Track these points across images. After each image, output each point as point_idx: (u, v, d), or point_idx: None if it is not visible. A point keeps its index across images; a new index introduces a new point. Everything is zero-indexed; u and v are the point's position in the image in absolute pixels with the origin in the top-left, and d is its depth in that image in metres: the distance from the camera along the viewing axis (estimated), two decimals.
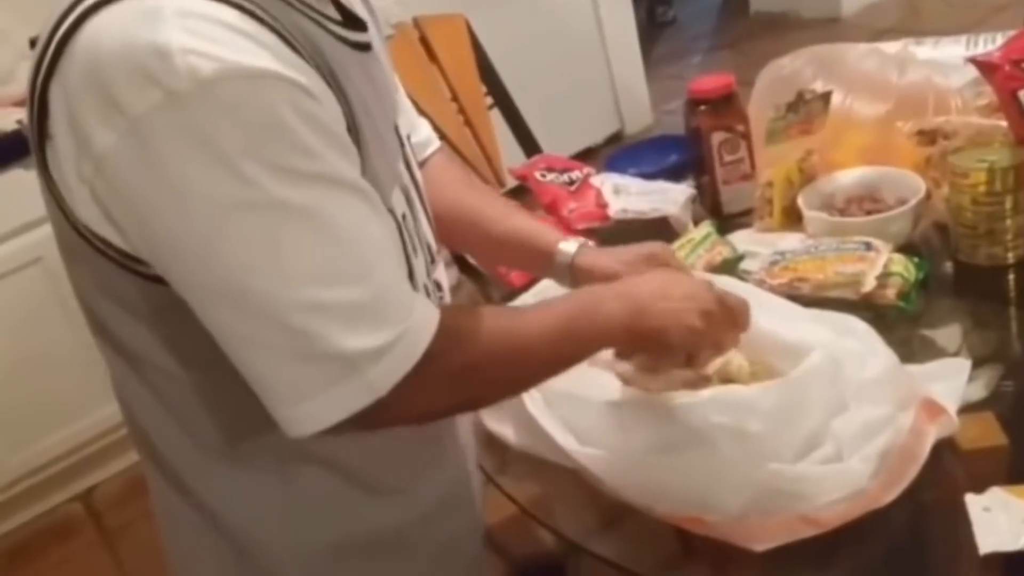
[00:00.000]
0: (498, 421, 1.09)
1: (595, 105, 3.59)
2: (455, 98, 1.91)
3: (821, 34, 3.93)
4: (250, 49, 0.65)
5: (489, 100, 1.98)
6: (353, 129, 0.74)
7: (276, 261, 0.67)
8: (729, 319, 0.91)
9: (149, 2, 0.64)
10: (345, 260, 0.69)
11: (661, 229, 1.42)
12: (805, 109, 1.35)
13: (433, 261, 0.92)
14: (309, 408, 0.70)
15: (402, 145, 0.90)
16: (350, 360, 0.69)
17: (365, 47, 0.82)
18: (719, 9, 5.00)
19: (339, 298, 0.68)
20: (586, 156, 3.41)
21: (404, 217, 0.84)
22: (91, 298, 0.79)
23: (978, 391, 0.99)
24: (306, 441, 0.72)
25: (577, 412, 0.98)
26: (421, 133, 1.10)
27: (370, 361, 0.70)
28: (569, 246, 1.05)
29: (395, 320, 0.71)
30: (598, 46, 3.56)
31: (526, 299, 1.23)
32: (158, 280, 0.72)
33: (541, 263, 1.07)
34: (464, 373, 0.78)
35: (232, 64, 0.63)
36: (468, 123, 1.92)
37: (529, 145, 1.97)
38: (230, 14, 0.66)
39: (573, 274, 1.04)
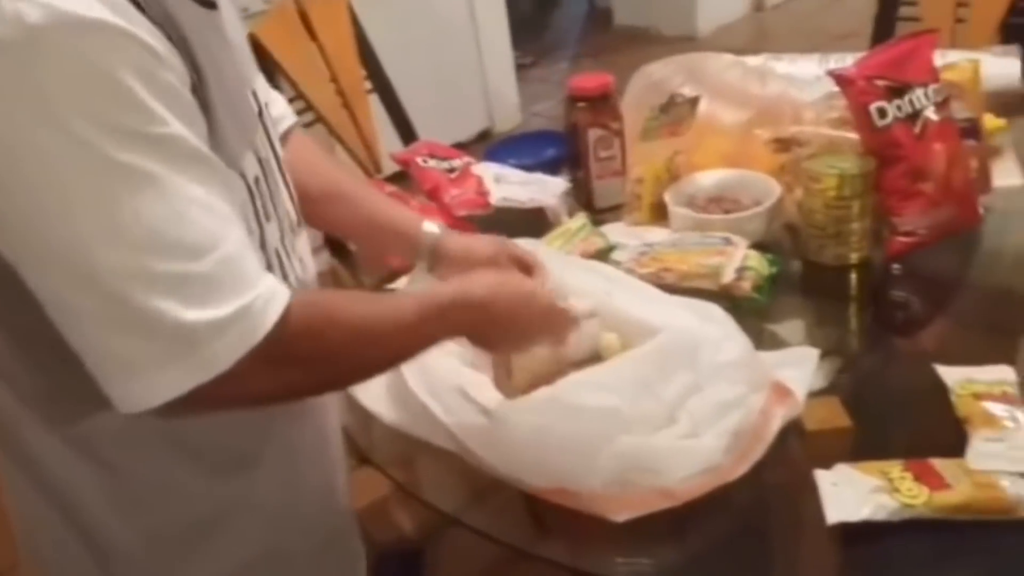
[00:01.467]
0: (373, 398, 1.10)
1: (466, 102, 3.66)
2: (334, 79, 1.90)
3: (678, 50, 4.04)
4: (90, 2, 0.61)
5: (368, 84, 1.98)
6: (200, 90, 0.70)
7: (107, 227, 0.63)
8: (551, 314, 0.98)
9: None
10: (182, 229, 0.65)
11: (537, 219, 1.46)
12: (675, 111, 1.43)
13: (293, 231, 0.90)
14: (143, 383, 0.67)
15: (260, 112, 0.87)
16: (188, 333, 0.66)
17: (212, 5, 0.78)
18: (583, 20, 5.18)
19: (176, 269, 0.65)
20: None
21: (257, 181, 0.80)
22: None
23: (818, 381, 1.06)
24: (144, 418, 0.68)
25: (449, 392, 1.00)
26: (277, 107, 1.07)
27: (210, 335, 0.66)
28: (432, 229, 1.10)
29: (237, 293, 0.68)
30: (472, 45, 3.62)
31: (400, 285, 1.25)
32: None
33: (404, 246, 1.11)
34: (311, 356, 0.75)
35: (64, 12, 0.60)
36: (346, 105, 1.92)
37: (406, 131, 1.98)
38: None
39: (434, 257, 1.10)
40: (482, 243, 1.12)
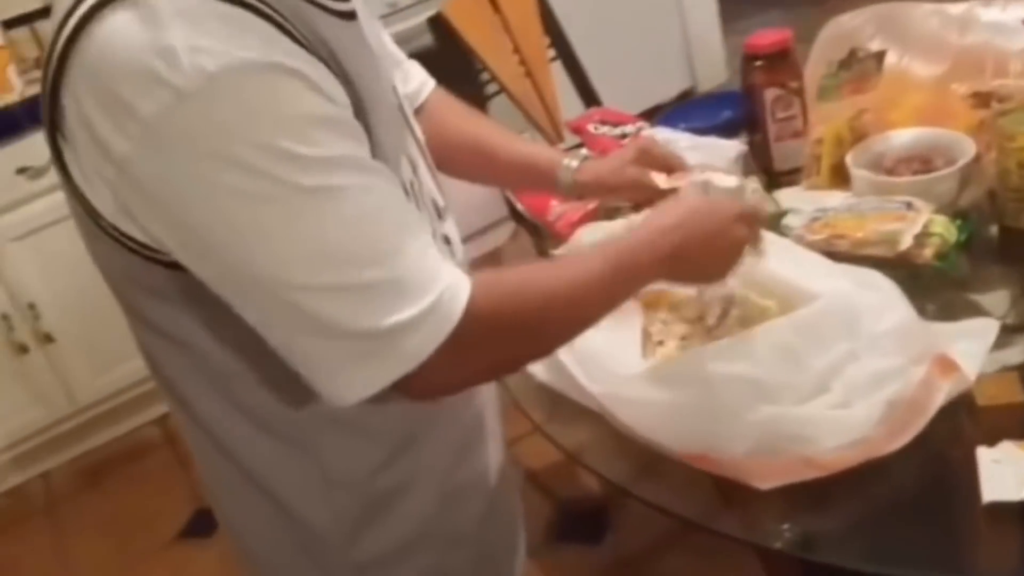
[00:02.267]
0: None
1: (667, 61, 3.57)
2: (517, 50, 1.94)
3: None
4: (252, 43, 0.66)
5: (552, 53, 2.00)
6: (360, 110, 0.74)
7: (302, 249, 0.68)
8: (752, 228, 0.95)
9: (146, 4, 0.65)
10: (368, 240, 0.70)
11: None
12: (858, 67, 1.35)
13: (440, 217, 0.94)
14: (344, 381, 0.72)
15: (401, 108, 0.91)
16: (384, 335, 0.70)
17: (352, 15, 0.82)
18: None
19: (366, 279, 0.70)
20: (656, 112, 3.40)
21: (411, 184, 0.85)
22: (118, 284, 0.81)
23: (1017, 355, 0.99)
24: (346, 409, 0.74)
25: (593, 360, 1.02)
26: (416, 77, 1.10)
27: (404, 334, 0.71)
28: (571, 162, 1.11)
29: (425, 291, 0.72)
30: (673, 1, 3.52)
31: (569, 248, 1.27)
32: (183, 267, 0.73)
33: (546, 182, 1.13)
34: (500, 335, 0.78)
35: (236, 59, 0.64)
36: (529, 75, 1.95)
37: (590, 99, 1.99)
38: (228, 9, 0.67)
39: (578, 189, 1.13)
40: (613, 166, 1.12)
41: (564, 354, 1.05)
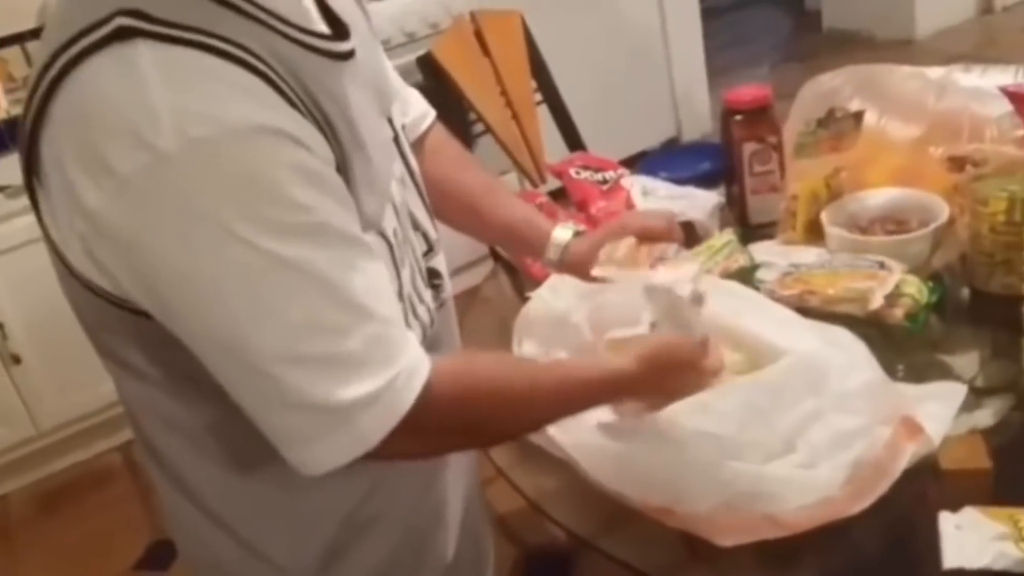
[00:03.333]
0: None
1: (654, 109, 3.60)
2: (504, 92, 1.95)
3: (893, 55, 3.83)
4: (236, 103, 0.65)
5: (538, 96, 2.01)
6: (342, 165, 0.74)
7: (265, 316, 0.68)
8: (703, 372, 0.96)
9: (127, 53, 0.64)
10: (333, 312, 0.70)
11: (686, 233, 1.44)
12: (836, 126, 1.37)
13: (431, 249, 0.94)
14: (308, 453, 0.73)
15: (396, 137, 0.90)
16: (340, 410, 0.71)
17: (350, 55, 0.79)
18: (792, 23, 4.96)
19: (327, 350, 0.70)
20: (641, 159, 3.42)
21: (395, 232, 0.84)
22: (89, 324, 0.80)
23: (986, 418, 1.00)
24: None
25: None
26: (416, 107, 1.10)
27: (359, 410, 0.71)
28: (560, 237, 1.11)
29: (383, 367, 0.72)
30: (661, 50, 3.57)
31: (541, 292, 1.27)
32: (150, 315, 0.72)
33: (533, 253, 1.15)
34: (451, 425, 0.79)
35: (220, 121, 0.63)
36: (515, 117, 1.96)
37: (574, 142, 2.00)
38: (212, 62, 0.65)
39: (564, 268, 1.12)
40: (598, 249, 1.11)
41: None
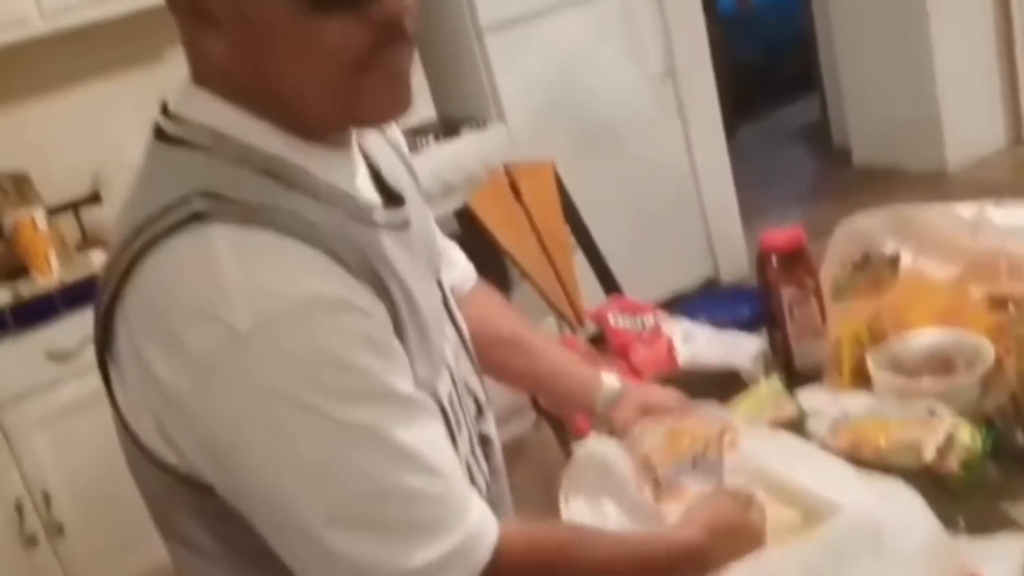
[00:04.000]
0: None
1: (689, 250, 3.64)
2: (539, 239, 2.00)
3: (926, 189, 3.90)
4: (302, 276, 0.69)
5: (573, 242, 2.05)
6: (400, 332, 0.77)
7: (338, 485, 0.69)
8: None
9: (203, 234, 0.69)
10: (400, 474, 0.71)
11: (731, 381, 1.43)
12: (872, 270, 1.37)
13: (481, 413, 0.95)
14: None
15: (445, 300, 0.93)
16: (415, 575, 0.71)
17: (405, 225, 0.84)
18: (821, 160, 5.02)
19: (395, 515, 0.71)
20: (677, 301, 3.44)
21: (450, 397, 0.86)
22: (153, 501, 0.82)
23: None
24: None
25: None
26: (458, 266, 1.12)
27: (434, 573, 0.71)
28: (611, 383, 1.11)
29: (451, 531, 0.72)
30: (692, 192, 3.62)
31: (588, 445, 1.25)
32: (215, 490, 0.74)
33: (581, 400, 1.14)
34: None
35: (289, 299, 0.68)
36: (551, 263, 2.00)
37: (610, 286, 2.03)
38: (279, 240, 0.70)
39: (613, 411, 1.12)
40: (666, 395, 1.13)
41: None
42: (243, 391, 0.67)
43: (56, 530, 2.45)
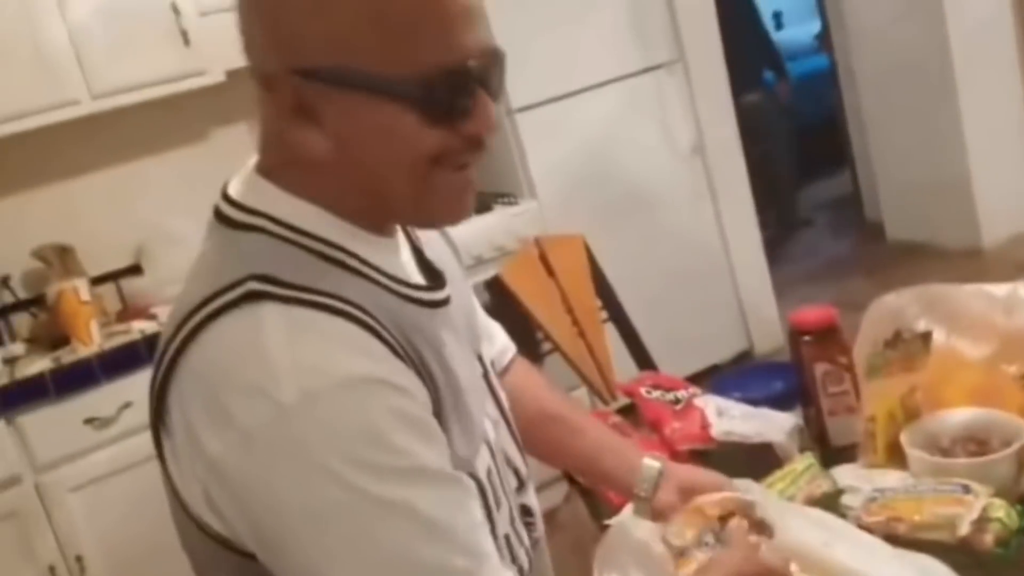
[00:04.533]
0: None
1: (722, 324, 3.64)
2: (570, 311, 2.01)
3: (961, 266, 3.87)
4: (349, 357, 0.72)
5: (604, 314, 2.07)
6: (439, 411, 0.79)
7: (372, 558, 0.71)
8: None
9: (255, 313, 0.72)
10: (434, 552, 0.72)
11: (764, 455, 1.43)
12: (904, 347, 1.37)
13: (522, 485, 0.96)
14: None
15: (486, 374, 0.95)
16: None
17: (445, 303, 0.87)
18: (854, 235, 5.02)
19: None
20: (712, 374, 3.43)
21: (488, 472, 0.87)
22: (200, 565, 0.84)
23: None
24: None
25: None
26: (498, 341, 1.14)
27: None
28: (652, 463, 1.10)
29: None
30: (724, 266, 3.64)
31: (623, 519, 1.25)
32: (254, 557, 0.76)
33: (623, 478, 1.12)
34: None
35: (333, 376, 0.70)
36: (582, 334, 2.01)
37: (642, 358, 2.03)
38: (327, 320, 0.73)
39: (657, 488, 1.11)
40: (708, 479, 1.12)
41: None
42: (281, 463, 0.70)
43: None
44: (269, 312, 0.72)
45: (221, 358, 0.72)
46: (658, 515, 1.10)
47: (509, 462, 0.94)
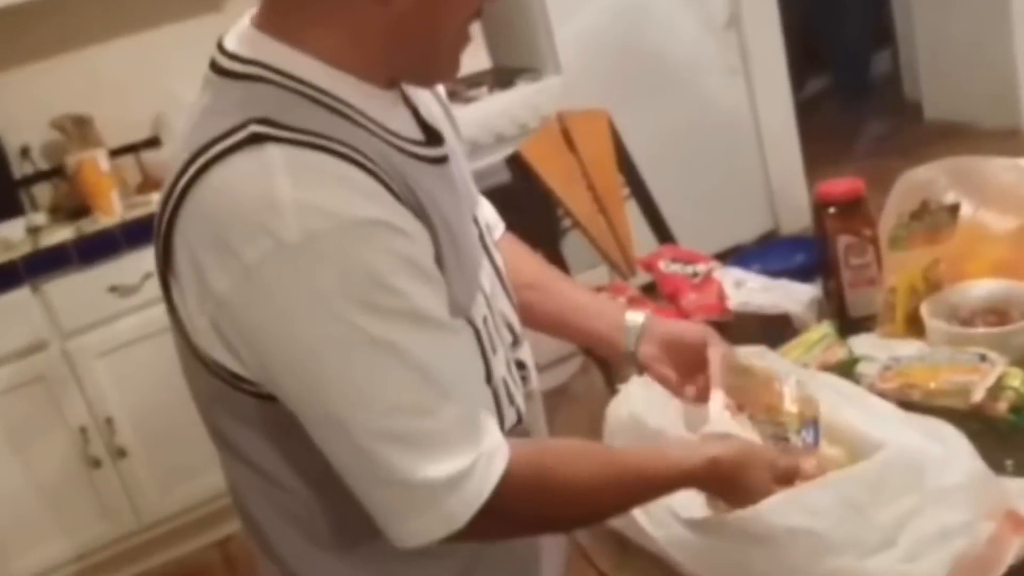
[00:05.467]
0: None
1: (750, 202, 3.58)
2: (591, 187, 1.98)
3: (999, 146, 3.75)
4: (352, 198, 0.73)
5: (627, 191, 2.04)
6: (439, 256, 0.80)
7: (359, 391, 0.74)
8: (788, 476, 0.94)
9: (260, 157, 0.72)
10: (424, 391, 0.75)
11: (781, 326, 1.42)
12: (931, 219, 1.34)
13: (516, 341, 0.98)
14: (403, 528, 0.78)
15: (481, 236, 0.96)
16: (426, 489, 0.76)
17: (443, 160, 0.88)
18: (892, 115, 4.89)
19: (414, 427, 0.75)
20: (736, 252, 3.40)
21: (484, 320, 0.88)
22: (210, 412, 0.87)
23: None
24: None
25: (658, 505, 0.99)
26: (490, 215, 1.14)
27: (446, 492, 0.76)
28: (635, 319, 1.11)
29: (467, 449, 0.77)
30: (754, 143, 3.55)
31: (629, 389, 1.25)
32: (271, 398, 0.79)
33: (607, 336, 1.12)
34: (528, 515, 0.84)
35: (336, 216, 0.71)
36: (603, 211, 1.99)
37: (664, 236, 2.01)
38: (334, 164, 0.74)
39: (640, 342, 1.10)
40: (690, 330, 1.12)
41: None
42: (283, 298, 0.72)
43: (118, 453, 2.55)
44: (272, 153, 0.72)
45: (225, 196, 0.73)
46: (643, 367, 1.11)
47: (505, 319, 0.96)
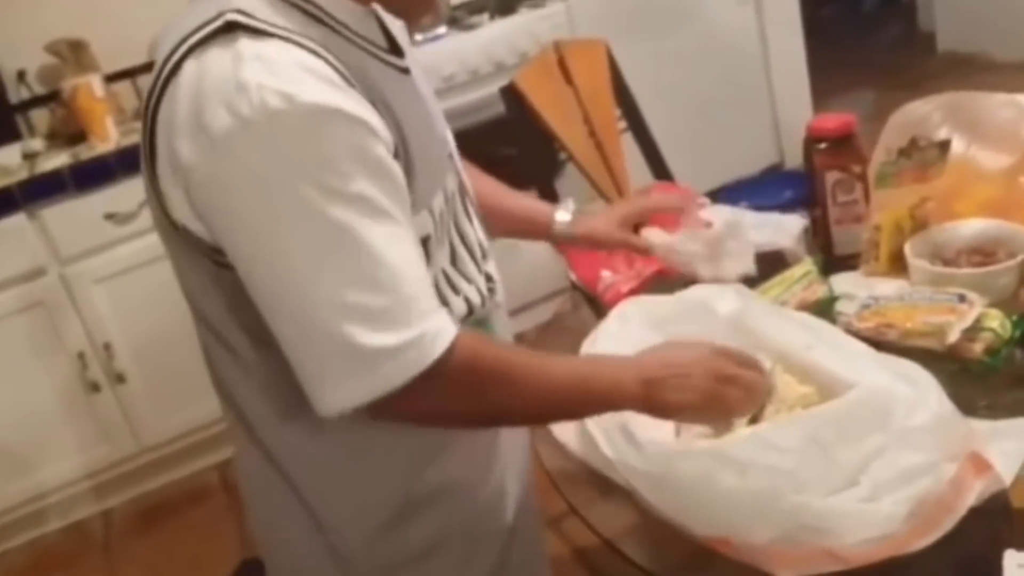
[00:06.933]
0: (563, 428, 1.13)
1: (754, 135, 3.52)
2: (587, 119, 1.96)
3: (1012, 78, 3.71)
4: (315, 86, 0.78)
5: (623, 124, 2.01)
6: (402, 149, 0.85)
7: (313, 265, 0.79)
8: (744, 383, 0.96)
9: (234, 47, 0.78)
10: (372, 270, 0.80)
11: (775, 262, 1.41)
12: (919, 156, 1.33)
13: (484, 256, 1.03)
14: (335, 390, 0.82)
15: (451, 156, 1.01)
16: (368, 355, 0.80)
17: (407, 71, 0.95)
18: (904, 45, 4.80)
19: (363, 301, 0.80)
20: (737, 186, 3.37)
21: (441, 214, 0.94)
22: (186, 284, 0.93)
23: None
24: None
25: (615, 428, 1.02)
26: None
27: (385, 357, 0.80)
28: (564, 215, 1.32)
29: (411, 325, 0.81)
30: (761, 73, 3.49)
31: (607, 323, 1.26)
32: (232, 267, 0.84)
33: (542, 233, 1.33)
34: (469, 389, 0.87)
35: (297, 101, 0.76)
36: (598, 145, 1.97)
37: (660, 171, 2.00)
38: (301, 55, 0.79)
39: (570, 240, 1.34)
40: (606, 230, 1.33)
41: (593, 424, 1.04)
42: (243, 172, 0.77)
43: (117, 378, 2.60)
44: (243, 43, 0.78)
45: (199, 79, 0.78)
46: (594, 241, 1.32)
47: (467, 234, 1.00)
